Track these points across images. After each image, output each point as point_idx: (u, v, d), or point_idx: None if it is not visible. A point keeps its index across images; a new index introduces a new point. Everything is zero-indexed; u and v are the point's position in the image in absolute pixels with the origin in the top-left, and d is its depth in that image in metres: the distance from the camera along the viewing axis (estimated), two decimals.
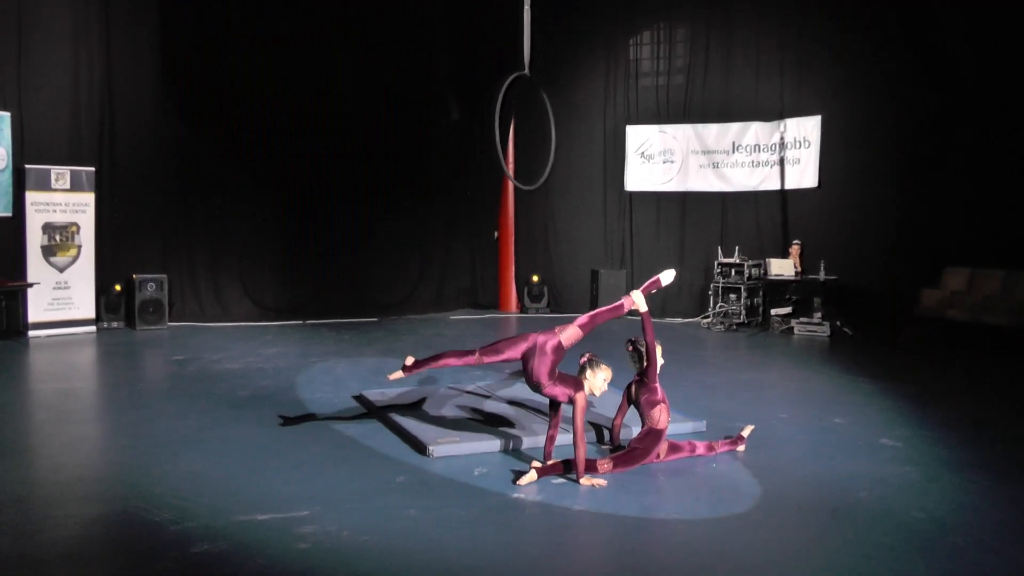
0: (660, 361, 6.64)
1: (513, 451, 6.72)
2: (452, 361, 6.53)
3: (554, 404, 6.42)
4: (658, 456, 6.42)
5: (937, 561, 4.76)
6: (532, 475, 5.95)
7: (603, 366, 6.30)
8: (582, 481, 5.92)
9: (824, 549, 5.01)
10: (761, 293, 14.54)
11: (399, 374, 6.57)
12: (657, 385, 6.47)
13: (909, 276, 13.19)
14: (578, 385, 6.17)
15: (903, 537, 5.10)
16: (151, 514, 5.29)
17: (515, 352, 6.30)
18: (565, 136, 15.47)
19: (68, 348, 11.89)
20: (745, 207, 15.48)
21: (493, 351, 6.37)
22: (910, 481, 6.15)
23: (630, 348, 6.65)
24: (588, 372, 6.25)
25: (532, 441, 6.84)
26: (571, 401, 6.13)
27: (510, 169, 15.37)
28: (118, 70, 13.53)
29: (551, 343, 6.22)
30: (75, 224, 12.97)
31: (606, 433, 7.09)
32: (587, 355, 6.40)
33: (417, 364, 6.53)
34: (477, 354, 6.39)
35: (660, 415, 6.38)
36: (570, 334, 6.31)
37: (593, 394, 6.32)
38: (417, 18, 15.37)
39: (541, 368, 6.17)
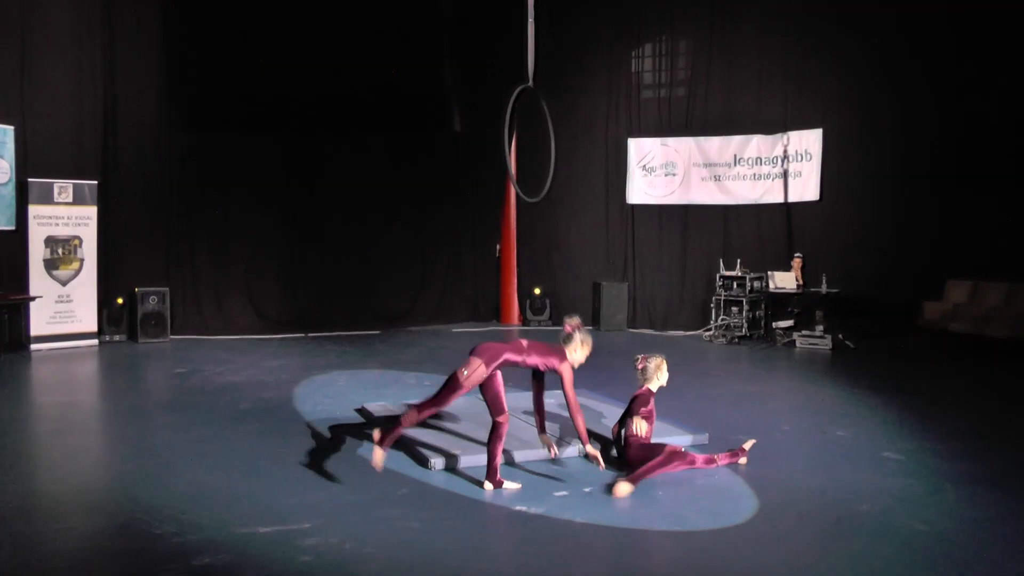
0: (665, 375, 6.76)
1: (512, 464, 6.70)
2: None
3: (537, 374, 6.38)
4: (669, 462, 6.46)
5: (940, 574, 4.74)
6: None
7: (588, 340, 6.30)
8: (588, 449, 6.02)
9: (826, 561, 4.99)
10: (763, 306, 14.53)
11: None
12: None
13: (911, 289, 13.20)
14: (561, 355, 6.11)
15: (906, 550, 5.09)
16: (153, 526, 5.28)
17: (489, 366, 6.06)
18: (567, 149, 15.49)
19: (70, 361, 11.90)
20: (747, 220, 15.47)
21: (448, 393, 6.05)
22: (913, 494, 6.14)
23: (639, 365, 6.83)
24: (572, 344, 6.24)
25: (532, 454, 6.82)
26: (553, 371, 6.08)
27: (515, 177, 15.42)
28: (121, 84, 13.60)
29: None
30: (77, 238, 12.99)
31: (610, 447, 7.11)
32: (573, 323, 6.35)
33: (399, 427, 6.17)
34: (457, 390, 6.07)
35: (638, 427, 6.57)
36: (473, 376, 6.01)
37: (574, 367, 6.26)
38: (422, 33, 15.43)
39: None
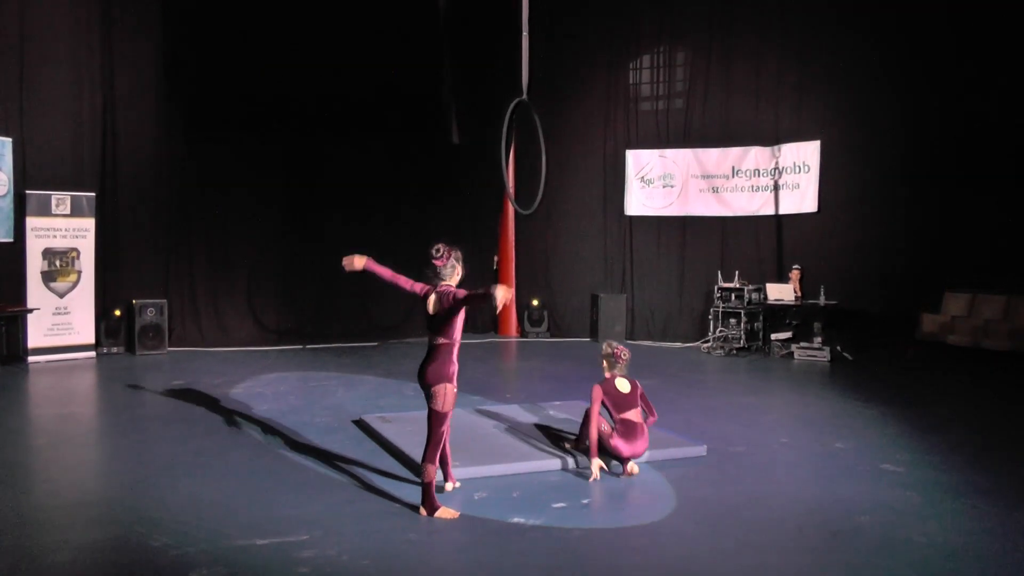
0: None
1: (513, 475, 6.69)
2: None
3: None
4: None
5: None
6: None
7: (456, 253, 6.07)
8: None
9: (825, 573, 4.98)
10: (761, 318, 14.53)
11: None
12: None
13: (909, 301, 13.20)
14: (452, 291, 5.91)
15: (904, 562, 5.08)
16: (150, 539, 5.27)
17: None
18: (565, 160, 15.55)
19: (68, 373, 11.87)
20: (745, 232, 15.48)
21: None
22: (911, 506, 6.13)
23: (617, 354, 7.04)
24: (454, 269, 6.06)
25: (533, 465, 6.83)
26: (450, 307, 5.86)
27: (511, 192, 15.44)
28: (120, 95, 13.60)
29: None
30: (75, 250, 12.98)
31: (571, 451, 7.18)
32: (441, 249, 6.11)
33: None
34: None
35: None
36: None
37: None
38: (422, 33, 15.47)
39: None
